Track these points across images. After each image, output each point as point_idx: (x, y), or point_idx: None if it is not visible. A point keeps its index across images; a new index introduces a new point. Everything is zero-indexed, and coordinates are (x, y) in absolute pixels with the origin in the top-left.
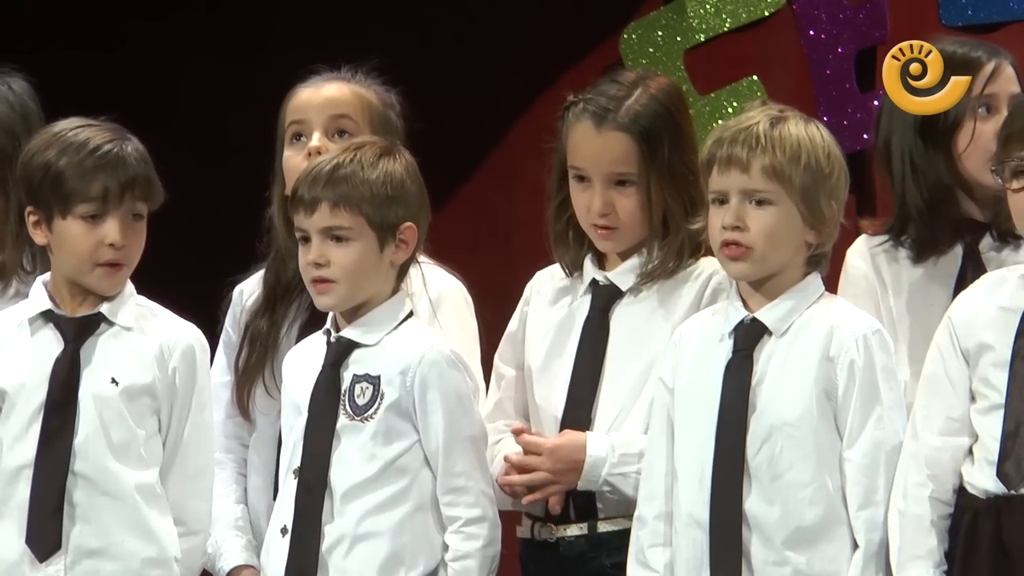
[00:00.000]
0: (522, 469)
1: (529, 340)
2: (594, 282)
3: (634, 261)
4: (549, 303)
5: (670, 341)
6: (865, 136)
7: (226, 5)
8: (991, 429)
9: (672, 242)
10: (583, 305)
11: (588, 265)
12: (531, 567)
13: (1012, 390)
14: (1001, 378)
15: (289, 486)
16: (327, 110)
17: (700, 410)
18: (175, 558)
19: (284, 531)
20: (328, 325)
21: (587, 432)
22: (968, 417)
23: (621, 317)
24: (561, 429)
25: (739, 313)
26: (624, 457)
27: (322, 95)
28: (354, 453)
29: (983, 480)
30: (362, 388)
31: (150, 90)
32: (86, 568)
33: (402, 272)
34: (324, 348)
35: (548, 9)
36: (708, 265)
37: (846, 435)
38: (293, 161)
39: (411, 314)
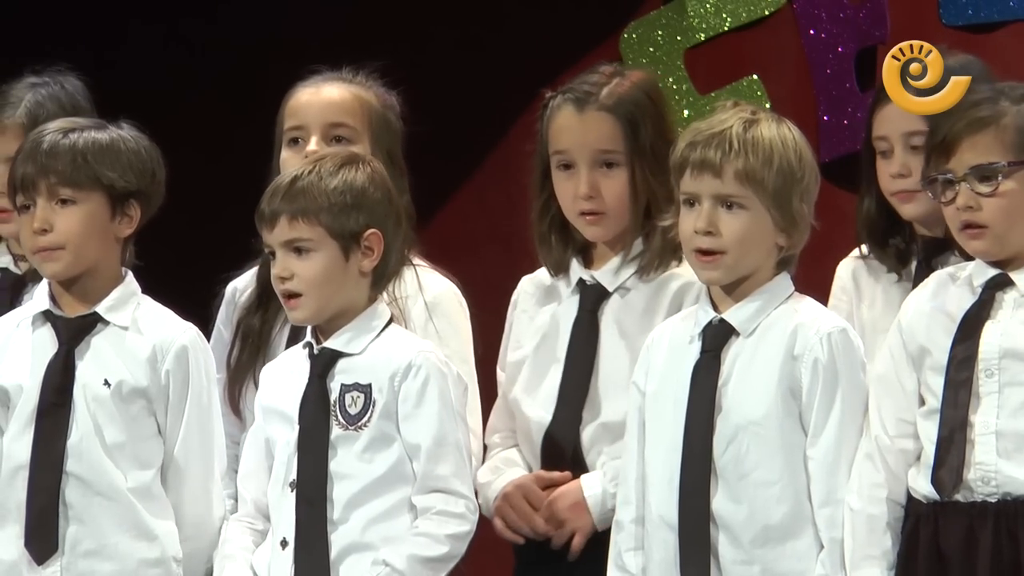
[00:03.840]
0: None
1: (515, 340)
2: (581, 282)
3: (620, 259)
4: (537, 303)
5: (643, 346)
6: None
7: (230, 5)
8: (930, 434)
9: (657, 235)
10: (571, 306)
11: (575, 265)
12: (526, 563)
13: (947, 397)
14: (939, 383)
15: (287, 499)
16: (325, 116)
17: (669, 412)
18: (175, 559)
19: (284, 544)
20: (309, 338)
21: (579, 478)
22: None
23: (610, 317)
24: (547, 432)
25: (708, 315)
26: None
27: (321, 99)
28: (352, 462)
29: (923, 485)
30: (353, 397)
31: (149, 88)
32: (82, 568)
33: (376, 279)
34: (305, 360)
35: (548, 9)
36: None
37: (810, 433)
38: (290, 163)
39: (391, 321)
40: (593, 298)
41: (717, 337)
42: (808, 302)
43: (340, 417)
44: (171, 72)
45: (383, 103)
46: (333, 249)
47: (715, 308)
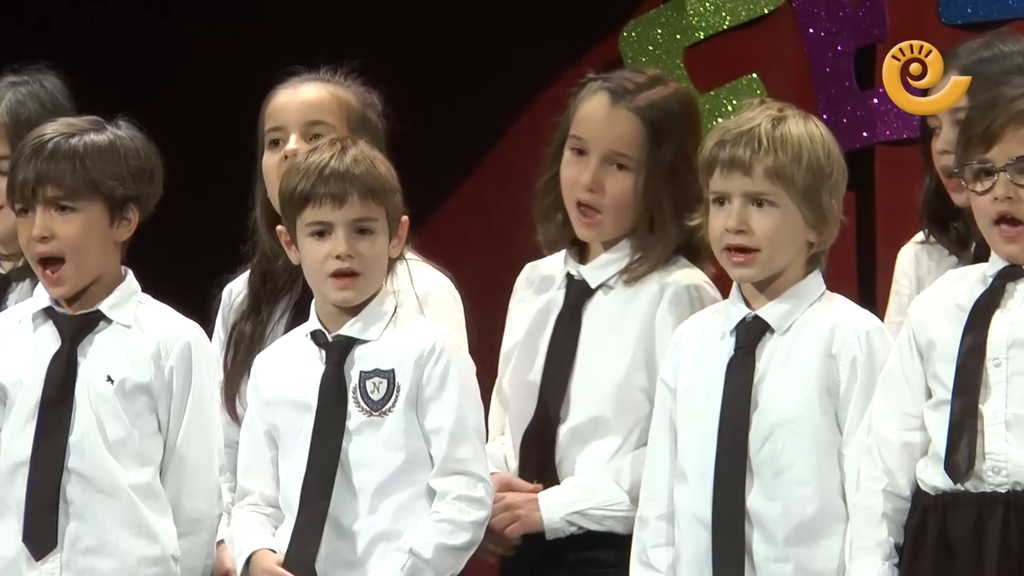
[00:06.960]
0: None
1: (510, 328)
2: (569, 276)
3: (609, 256)
4: (535, 292)
5: (671, 341)
6: (864, 134)
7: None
8: (938, 425)
9: (655, 243)
10: (559, 298)
11: (568, 258)
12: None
13: (958, 384)
14: (949, 372)
15: None
16: (303, 115)
17: (702, 408)
18: (173, 557)
19: None
20: (317, 327)
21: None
22: (923, 414)
23: (593, 315)
24: (527, 429)
25: (740, 311)
26: (577, 496)
27: (298, 99)
28: (378, 449)
29: (932, 477)
30: (375, 383)
31: (144, 87)
32: (82, 565)
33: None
34: (310, 350)
35: (548, 7)
36: (680, 276)
37: (845, 431)
38: (271, 164)
39: (396, 307)
40: (577, 294)
41: (751, 334)
42: (841, 300)
43: (363, 403)
44: (164, 66)
45: (362, 101)
46: (386, 233)
47: (747, 305)
